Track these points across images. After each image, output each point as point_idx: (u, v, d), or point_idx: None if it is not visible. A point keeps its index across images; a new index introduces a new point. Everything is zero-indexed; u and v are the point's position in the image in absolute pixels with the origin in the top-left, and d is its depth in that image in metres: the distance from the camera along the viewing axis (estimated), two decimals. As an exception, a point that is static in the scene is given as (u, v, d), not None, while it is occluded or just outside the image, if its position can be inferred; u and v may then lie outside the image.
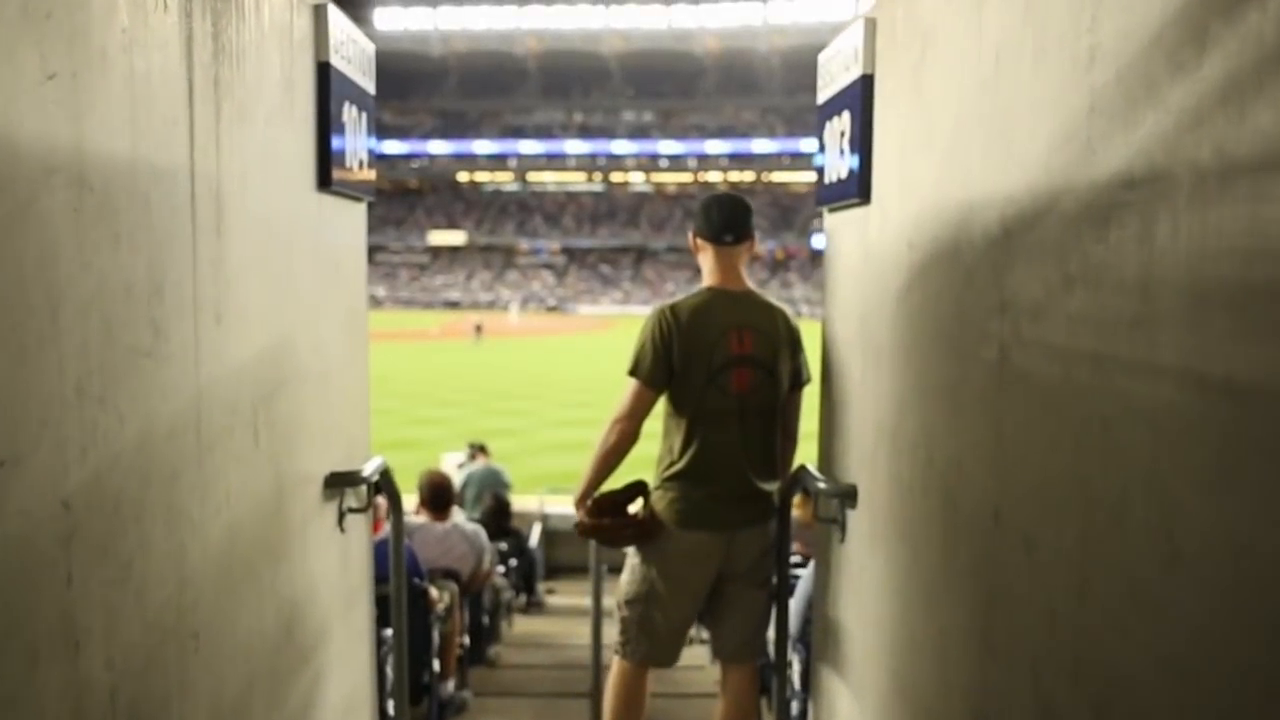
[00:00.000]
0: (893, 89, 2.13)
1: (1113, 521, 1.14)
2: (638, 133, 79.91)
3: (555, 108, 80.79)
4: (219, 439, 1.68)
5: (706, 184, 78.12)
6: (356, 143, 2.48)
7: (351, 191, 2.49)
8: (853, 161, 2.35)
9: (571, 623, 7.36)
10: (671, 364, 2.71)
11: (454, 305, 65.81)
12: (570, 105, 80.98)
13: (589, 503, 2.84)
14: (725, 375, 2.72)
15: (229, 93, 1.71)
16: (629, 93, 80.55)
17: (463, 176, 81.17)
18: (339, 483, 2.38)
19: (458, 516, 8.45)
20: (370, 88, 2.66)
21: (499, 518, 7.49)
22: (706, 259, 2.87)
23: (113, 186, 1.31)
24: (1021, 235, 1.46)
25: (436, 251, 76.01)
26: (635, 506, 2.87)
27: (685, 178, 79.26)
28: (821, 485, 2.52)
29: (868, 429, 2.33)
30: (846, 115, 2.40)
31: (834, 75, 2.53)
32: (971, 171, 1.66)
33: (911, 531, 2.00)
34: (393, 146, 77.77)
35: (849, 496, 2.42)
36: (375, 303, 66.45)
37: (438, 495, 4.59)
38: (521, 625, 7.37)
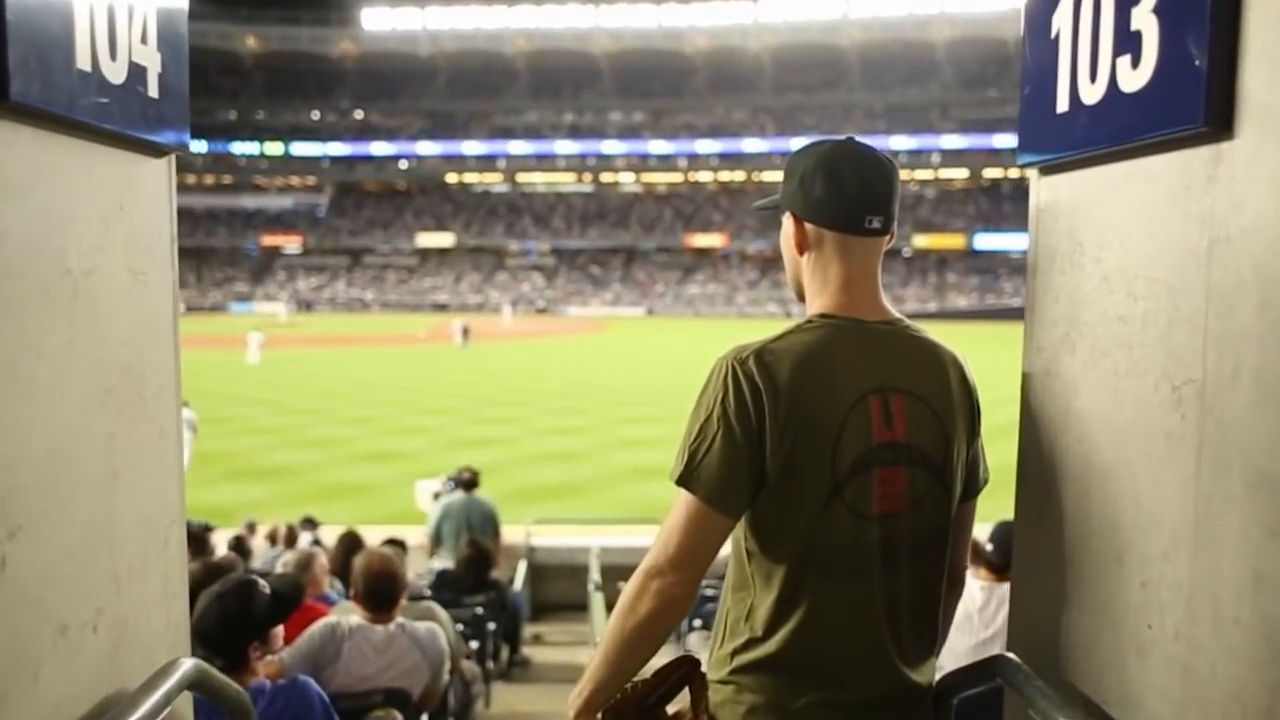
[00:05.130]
0: None
1: None
2: (628, 133, 78.28)
3: (544, 108, 79.11)
4: None
5: (696, 184, 76.85)
6: (118, 31, 1.19)
7: (107, 126, 1.20)
8: (1181, 50, 1.07)
9: (565, 693, 6.14)
10: (763, 464, 1.40)
11: (442, 308, 64.25)
12: (560, 105, 79.32)
13: (602, 714, 1.55)
14: (862, 482, 1.41)
15: None
16: (619, 92, 79.07)
17: (451, 178, 79.43)
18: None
19: (451, 560, 7.23)
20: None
21: (478, 568, 6.48)
22: (825, 261, 1.52)
23: None
24: None
25: (425, 254, 74.37)
26: (680, 705, 1.59)
27: (675, 177, 77.79)
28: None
29: (1234, 645, 1.05)
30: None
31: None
32: None
33: None
34: (380, 147, 76.26)
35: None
36: (362, 306, 65.70)
37: (378, 590, 3.28)
38: (502, 698, 6.18)
